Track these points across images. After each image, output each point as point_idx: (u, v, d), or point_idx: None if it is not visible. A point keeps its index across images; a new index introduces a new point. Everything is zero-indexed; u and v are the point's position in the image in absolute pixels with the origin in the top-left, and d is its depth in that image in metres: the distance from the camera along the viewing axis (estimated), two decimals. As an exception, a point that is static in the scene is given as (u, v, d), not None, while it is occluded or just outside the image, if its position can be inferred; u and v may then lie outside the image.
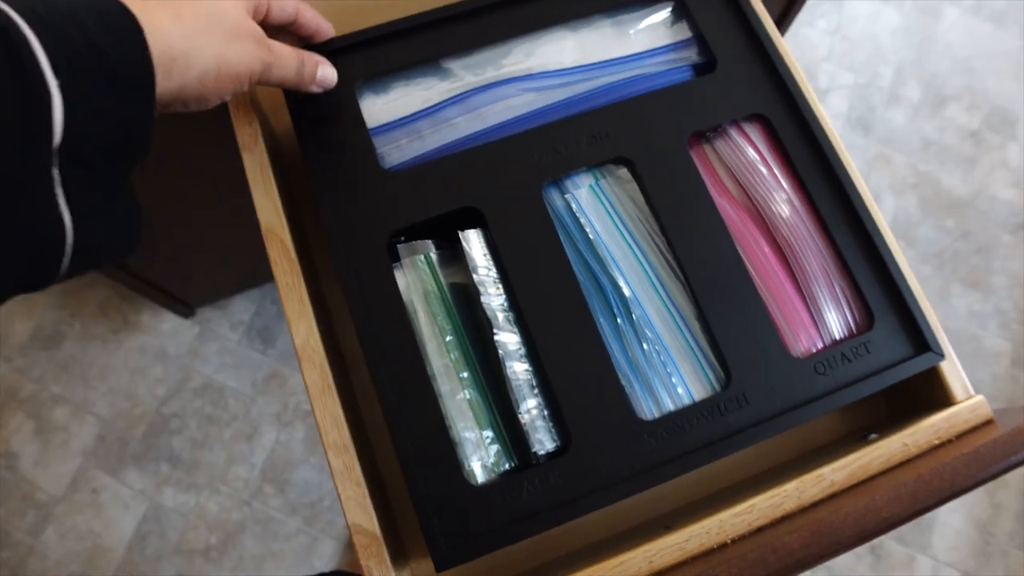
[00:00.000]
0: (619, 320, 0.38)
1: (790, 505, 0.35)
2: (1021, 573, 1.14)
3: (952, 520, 1.16)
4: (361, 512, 0.34)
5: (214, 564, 1.08)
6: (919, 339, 0.38)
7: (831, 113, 1.39)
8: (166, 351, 1.21)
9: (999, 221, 1.32)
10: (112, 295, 1.24)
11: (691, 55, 0.45)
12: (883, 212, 1.32)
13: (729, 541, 0.34)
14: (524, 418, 0.35)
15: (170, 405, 1.17)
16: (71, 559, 1.08)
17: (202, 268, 1.08)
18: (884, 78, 1.42)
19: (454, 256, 0.39)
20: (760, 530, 0.35)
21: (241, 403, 1.18)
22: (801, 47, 1.45)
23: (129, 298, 1.23)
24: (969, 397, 0.38)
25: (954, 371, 0.39)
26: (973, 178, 1.34)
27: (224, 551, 1.09)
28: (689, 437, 0.36)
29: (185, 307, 1.18)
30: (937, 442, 0.37)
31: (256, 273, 1.17)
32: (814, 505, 0.36)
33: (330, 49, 0.43)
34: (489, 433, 0.36)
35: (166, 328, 1.23)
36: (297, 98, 0.41)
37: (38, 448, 1.14)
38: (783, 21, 0.98)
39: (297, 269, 0.38)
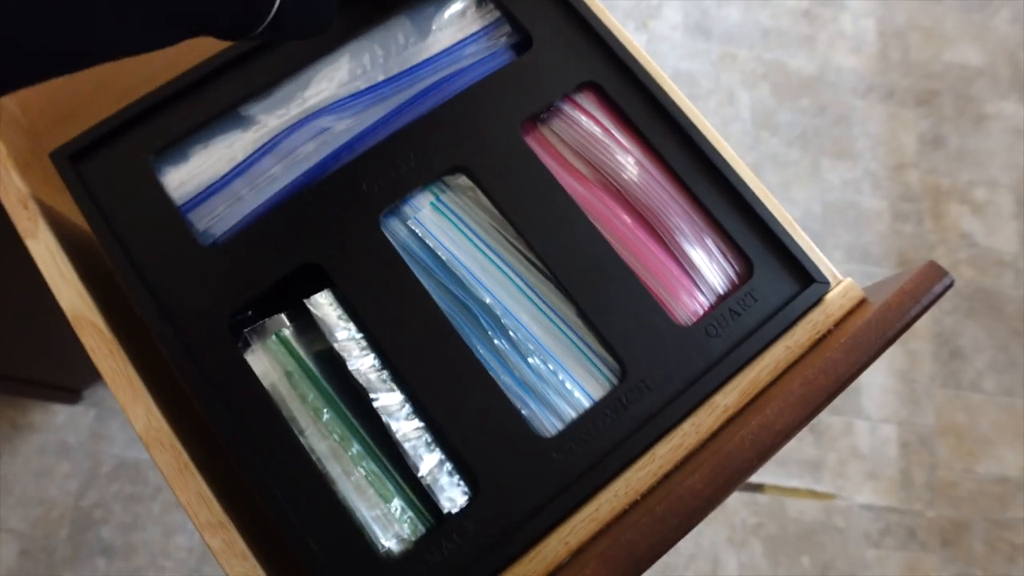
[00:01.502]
0: (496, 341, 0.36)
1: (691, 442, 0.35)
2: (949, 408, 1.23)
3: (875, 379, 1.24)
4: None
5: (182, 644, 1.03)
6: (802, 273, 0.38)
7: (668, 27, 1.40)
8: (67, 443, 1.12)
9: (848, 88, 1.37)
10: (-12, 402, 1.14)
11: (504, 36, 0.42)
12: (740, 107, 1.35)
13: (639, 497, 0.34)
14: (427, 479, 0.33)
15: (88, 497, 1.10)
16: None
17: (73, 348, 1.00)
18: (712, -19, 1.43)
19: (311, 323, 0.36)
20: (667, 476, 0.34)
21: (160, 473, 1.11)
22: (624, -33, 1.44)
23: (12, 402, 1.13)
24: (839, 282, 0.38)
25: (819, 259, 0.39)
26: (816, 54, 1.38)
27: (189, 628, 1.04)
28: (598, 443, 0.35)
29: (71, 393, 1.09)
30: (817, 336, 0.37)
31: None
32: (714, 436, 0.35)
33: (113, 127, 0.38)
34: (397, 503, 0.33)
35: (60, 420, 1.14)
36: (84, 190, 0.37)
37: (-47, 586, 1.05)
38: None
39: (119, 352, 0.35)
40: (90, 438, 1.12)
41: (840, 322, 0.37)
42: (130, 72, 0.45)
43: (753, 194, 0.39)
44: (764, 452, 0.32)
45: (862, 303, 0.38)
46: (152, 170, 0.38)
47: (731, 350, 0.36)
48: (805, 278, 0.38)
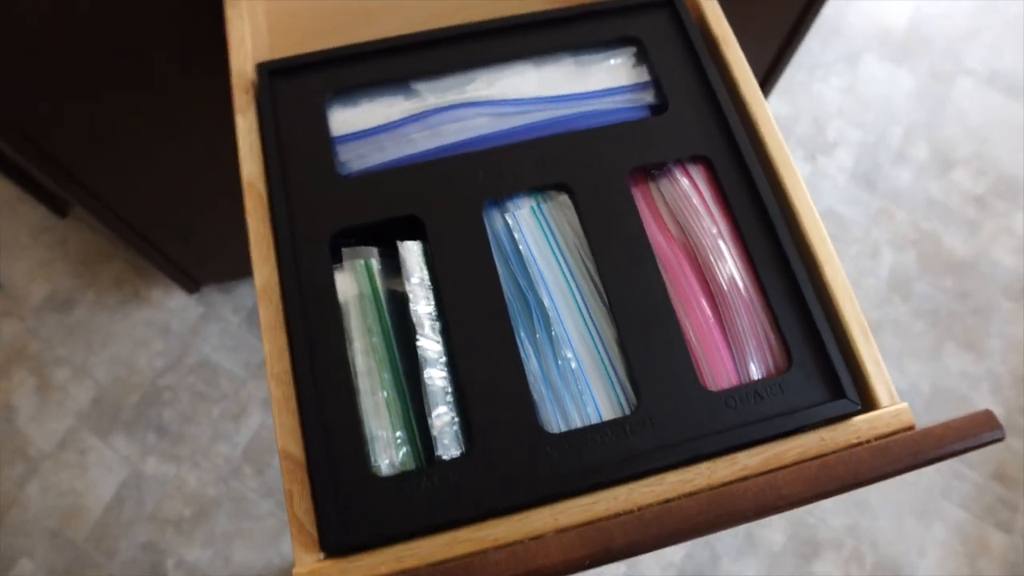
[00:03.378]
0: (539, 335, 0.41)
1: (700, 482, 0.37)
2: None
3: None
4: (292, 440, 0.37)
5: (184, 536, 1.11)
6: (835, 385, 0.40)
7: (836, 167, 1.41)
8: (169, 327, 1.26)
9: (1000, 286, 1.32)
10: (127, 269, 1.30)
11: (647, 97, 0.48)
12: (881, 266, 1.33)
13: (636, 509, 0.36)
14: (434, 423, 0.38)
15: (165, 378, 1.22)
16: (49, 514, 1.12)
17: (215, 246, 1.13)
18: (893, 137, 1.43)
19: (397, 268, 0.42)
20: (667, 502, 0.36)
21: (233, 384, 1.22)
22: (813, 102, 1.47)
23: (143, 273, 1.28)
24: (893, 404, 0.39)
25: (881, 379, 0.40)
26: (976, 241, 1.34)
27: (196, 524, 1.12)
28: (590, 454, 0.38)
29: (191, 282, 1.23)
30: (855, 441, 0.38)
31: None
32: (723, 486, 0.36)
33: (309, 62, 0.46)
34: (401, 434, 0.38)
35: (173, 305, 1.28)
36: (269, 99, 0.45)
37: (36, 405, 1.19)
38: (773, 71, 1.00)
39: (267, 219, 0.42)
40: (189, 330, 1.25)
41: (880, 439, 0.38)
42: (351, 23, 0.54)
43: (814, 299, 0.41)
44: (761, 508, 0.34)
45: (909, 429, 0.39)
46: (325, 104, 0.46)
47: (740, 425, 0.39)
48: (836, 391, 0.40)
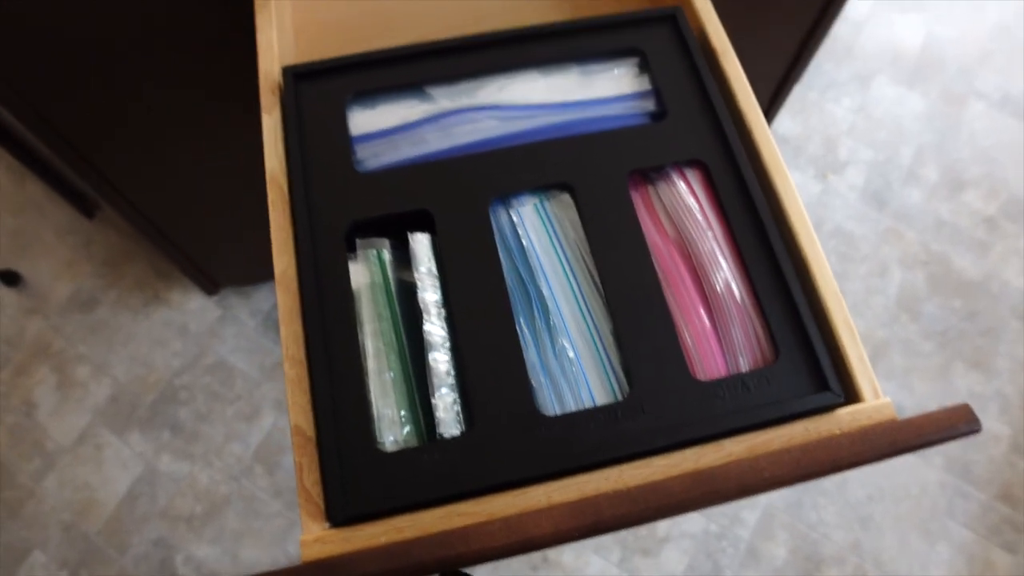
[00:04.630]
0: (538, 323, 0.43)
1: (687, 466, 0.39)
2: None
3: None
4: (303, 416, 0.39)
5: (195, 533, 1.14)
6: (820, 378, 0.42)
7: (847, 185, 1.42)
8: (188, 328, 1.29)
9: (1009, 306, 1.33)
10: (149, 271, 1.33)
11: (648, 104, 0.50)
12: (890, 285, 1.34)
13: (625, 489, 0.38)
14: (437, 403, 0.40)
15: (182, 377, 1.25)
16: (65, 507, 1.15)
17: (235, 249, 1.17)
18: (904, 157, 1.45)
19: (407, 260, 0.45)
20: (654, 483, 0.38)
21: (247, 385, 1.25)
22: (824, 121, 1.49)
23: (164, 275, 1.32)
24: (878, 399, 0.40)
25: (865, 374, 0.41)
26: (985, 262, 1.35)
27: (207, 521, 1.14)
28: (583, 436, 0.40)
29: (211, 284, 1.26)
30: (837, 432, 0.39)
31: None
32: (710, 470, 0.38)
33: (331, 66, 0.50)
34: (405, 413, 0.41)
35: (192, 307, 1.31)
36: (294, 99, 0.48)
37: (56, 400, 1.23)
38: (782, 88, 1.02)
39: (287, 211, 0.45)
40: (207, 331, 1.28)
41: (862, 430, 0.40)
42: (373, 29, 0.57)
43: (801, 295, 0.43)
44: (744, 487, 0.36)
45: (890, 423, 0.40)
46: (345, 105, 0.49)
47: (727, 414, 0.41)
48: (820, 383, 0.42)
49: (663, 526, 1.17)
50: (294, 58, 0.58)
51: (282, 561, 1.14)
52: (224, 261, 1.20)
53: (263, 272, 1.29)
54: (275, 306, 1.34)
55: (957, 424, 0.37)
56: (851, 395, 0.42)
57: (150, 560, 1.13)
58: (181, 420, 1.22)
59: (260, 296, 1.31)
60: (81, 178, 0.85)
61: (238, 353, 1.27)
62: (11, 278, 1.32)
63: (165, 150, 0.87)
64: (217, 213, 1.03)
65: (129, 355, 1.27)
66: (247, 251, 1.18)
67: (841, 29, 1.59)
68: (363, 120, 0.49)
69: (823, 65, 1.55)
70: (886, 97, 1.53)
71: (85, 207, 1.34)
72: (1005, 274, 1.34)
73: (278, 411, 1.23)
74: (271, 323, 1.29)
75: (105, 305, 1.31)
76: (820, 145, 1.48)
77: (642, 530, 1.16)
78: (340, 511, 0.38)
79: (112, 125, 0.80)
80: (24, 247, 1.36)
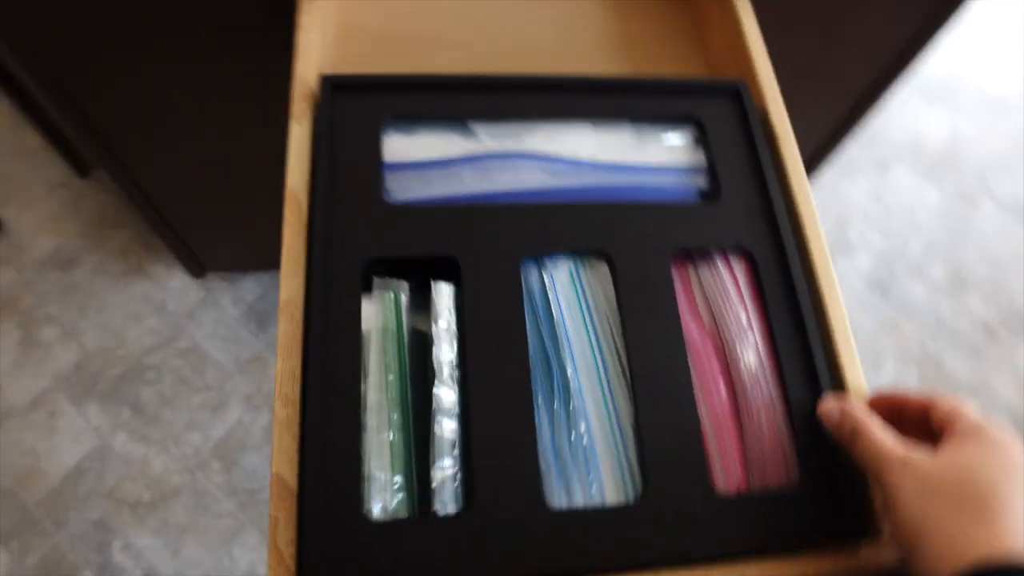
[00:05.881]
0: (556, 404, 0.40)
1: None
2: None
3: None
4: (287, 465, 0.36)
5: (139, 520, 1.08)
6: (846, 511, 0.39)
7: (853, 268, 1.41)
8: (166, 306, 1.24)
9: (996, 418, 1.32)
10: (136, 240, 1.29)
11: (700, 180, 0.47)
12: (881, 376, 1.32)
13: None
14: (436, 475, 0.37)
15: (152, 356, 1.20)
16: (6, 472, 1.09)
17: (229, 235, 1.12)
18: (913, 250, 1.44)
19: (424, 305, 0.41)
20: None
21: (219, 375, 1.20)
22: (838, 200, 1.49)
23: (151, 247, 1.27)
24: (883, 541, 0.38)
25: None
26: (978, 368, 1.34)
27: (152, 510, 1.09)
28: (589, 536, 0.37)
29: (197, 266, 1.21)
30: (857, 569, 0.38)
31: (275, 257, 1.21)
32: None
33: (373, 83, 0.46)
34: (399, 479, 0.37)
35: (174, 285, 1.26)
36: (329, 110, 0.45)
37: (16, 358, 1.17)
38: (810, 167, 1.01)
39: (304, 232, 0.42)
40: (185, 313, 1.23)
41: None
42: (417, 48, 0.54)
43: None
44: None
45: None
46: (381, 127, 0.45)
47: (742, 533, 0.38)
48: (847, 516, 0.39)
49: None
50: (332, 63, 0.55)
51: (225, 564, 1.09)
52: (214, 244, 1.15)
53: (253, 261, 1.24)
54: (260, 297, 1.30)
55: None
56: (872, 528, 0.39)
57: (87, 541, 1.07)
58: (144, 400, 1.16)
59: (246, 285, 1.27)
60: (82, 142, 0.81)
61: (215, 340, 1.22)
62: (-9, 224, 1.26)
63: (174, 127, 0.83)
64: (215, 197, 0.99)
65: (101, 324, 1.22)
66: (241, 240, 1.14)
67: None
68: (398, 147, 0.46)
69: (845, 145, 1.54)
70: (903, 186, 1.52)
71: (80, 165, 1.29)
72: (996, 384, 1.34)
73: (246, 406, 1.18)
74: (254, 315, 1.25)
75: (84, 268, 1.26)
76: (832, 225, 1.47)
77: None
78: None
79: (125, 92, 0.77)
80: (11, 195, 1.31)
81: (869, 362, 1.34)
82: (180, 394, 1.17)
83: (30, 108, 1.10)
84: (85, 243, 1.28)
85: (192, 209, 1.03)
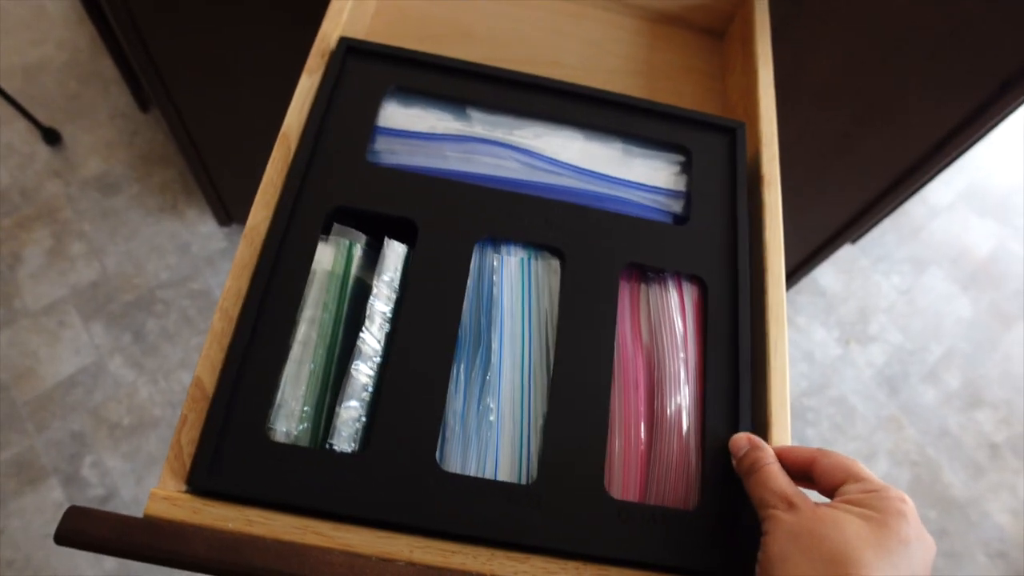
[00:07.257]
0: (476, 373, 0.41)
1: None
2: None
3: None
4: (209, 372, 0.38)
5: (114, 441, 1.12)
6: (731, 544, 0.39)
7: (866, 360, 1.39)
8: (190, 247, 1.29)
9: (982, 539, 1.27)
10: (177, 181, 1.34)
11: (675, 206, 0.48)
12: (874, 466, 1.29)
13: (488, 574, 0.36)
14: (341, 413, 0.38)
15: (165, 291, 1.25)
16: (5, 366, 1.14)
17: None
18: (932, 354, 1.41)
19: (375, 258, 0.43)
20: None
21: (221, 322, 1.24)
22: (867, 290, 1.47)
23: (189, 190, 1.33)
24: None
25: None
26: (974, 488, 1.30)
27: (128, 435, 1.13)
28: (472, 505, 0.38)
29: (225, 215, 1.26)
30: None
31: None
32: None
33: (385, 52, 0.49)
34: (308, 410, 0.39)
35: (202, 230, 1.31)
36: (338, 68, 0.47)
37: (42, 263, 1.23)
38: (829, 243, 1.00)
39: (285, 170, 0.44)
40: (206, 258, 1.28)
41: None
42: (450, 36, 0.57)
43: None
44: None
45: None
46: (383, 94, 0.48)
47: (621, 540, 0.38)
48: (730, 549, 0.39)
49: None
50: (364, 32, 0.58)
51: (182, 502, 1.11)
52: (245, 199, 1.20)
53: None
54: (280, 258, 1.35)
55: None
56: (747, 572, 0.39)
57: (61, 449, 1.11)
58: (147, 330, 1.21)
59: (269, 243, 1.31)
60: (145, 77, 0.86)
61: (226, 288, 1.26)
62: (53, 137, 1.33)
63: (229, 85, 0.88)
64: (256, 153, 1.03)
65: (127, 250, 1.27)
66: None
67: (917, 210, 1.57)
68: (394, 114, 0.48)
69: (885, 236, 1.53)
70: (935, 290, 1.49)
71: (143, 99, 1.36)
72: (989, 505, 1.29)
73: (240, 358, 1.21)
74: (268, 273, 1.29)
75: (124, 195, 1.32)
76: (854, 311, 1.44)
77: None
78: (201, 480, 0.36)
79: (188, 45, 0.81)
80: (76, 114, 1.39)
81: (863, 454, 1.30)
82: (182, 332, 1.21)
83: (109, 37, 1.17)
84: (131, 173, 1.34)
85: (230, 160, 1.08)
